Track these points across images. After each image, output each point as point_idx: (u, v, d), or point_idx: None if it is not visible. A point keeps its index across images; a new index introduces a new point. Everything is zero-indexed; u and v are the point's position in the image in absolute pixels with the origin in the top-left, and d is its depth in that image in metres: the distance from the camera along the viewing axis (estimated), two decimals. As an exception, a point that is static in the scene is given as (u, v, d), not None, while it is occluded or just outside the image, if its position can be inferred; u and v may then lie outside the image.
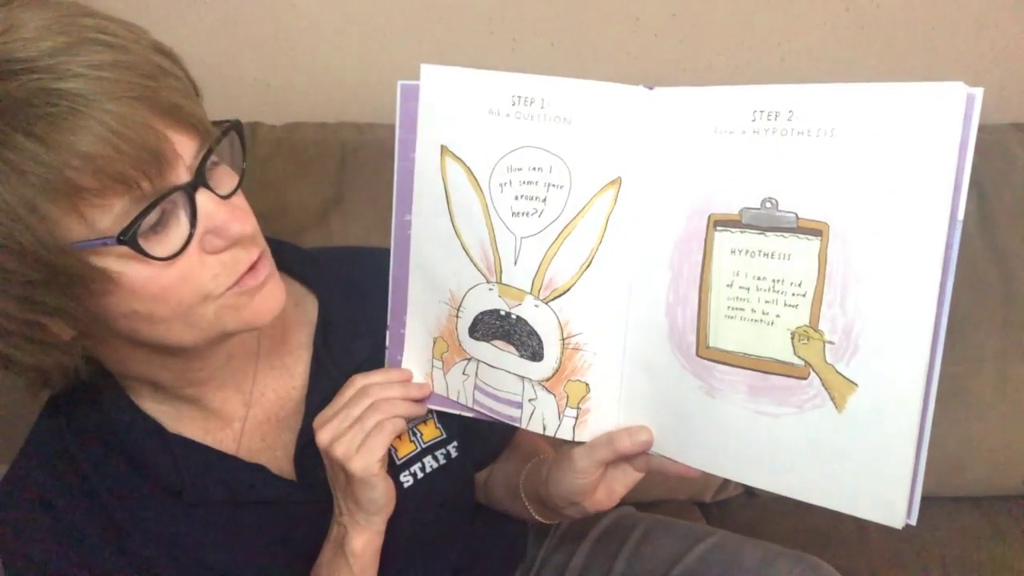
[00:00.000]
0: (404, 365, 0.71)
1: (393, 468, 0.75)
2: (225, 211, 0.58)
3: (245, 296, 0.61)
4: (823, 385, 0.56)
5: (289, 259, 0.77)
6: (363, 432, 0.64)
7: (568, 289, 0.63)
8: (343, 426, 0.65)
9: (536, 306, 0.64)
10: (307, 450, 0.72)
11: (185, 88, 0.58)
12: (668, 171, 0.60)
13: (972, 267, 1.13)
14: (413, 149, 0.66)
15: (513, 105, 0.62)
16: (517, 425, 0.67)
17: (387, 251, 0.69)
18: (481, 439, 0.82)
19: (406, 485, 0.75)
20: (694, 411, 0.61)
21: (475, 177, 0.64)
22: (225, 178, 0.61)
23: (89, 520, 0.68)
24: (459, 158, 0.64)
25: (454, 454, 0.78)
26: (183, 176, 0.56)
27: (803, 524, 1.18)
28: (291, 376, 0.75)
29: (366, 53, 1.21)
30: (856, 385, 0.55)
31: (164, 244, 0.56)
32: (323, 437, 0.65)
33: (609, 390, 0.64)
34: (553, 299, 0.63)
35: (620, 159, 0.61)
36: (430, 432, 0.77)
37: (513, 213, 0.63)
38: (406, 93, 0.65)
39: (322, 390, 0.72)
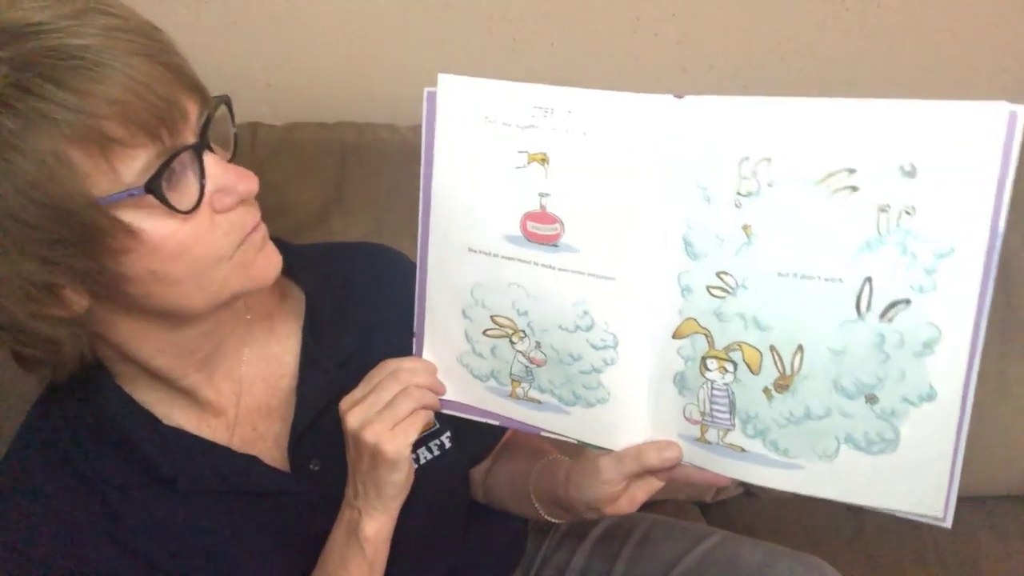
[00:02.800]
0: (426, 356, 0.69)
1: None
2: (231, 170, 0.60)
3: (252, 251, 0.63)
4: None
5: None
6: (395, 418, 0.64)
7: None
8: (373, 410, 0.64)
9: None
10: (301, 442, 0.72)
11: (182, 58, 0.60)
12: None
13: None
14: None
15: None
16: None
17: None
18: (475, 431, 0.81)
19: None
20: None
21: None
22: (221, 145, 0.63)
23: (82, 509, 0.67)
24: None
25: (447, 444, 0.78)
26: (190, 137, 0.58)
27: (803, 524, 1.18)
28: (280, 365, 0.75)
29: (366, 53, 1.21)
30: None
31: (180, 200, 0.57)
32: (352, 420, 0.64)
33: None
34: None
35: None
36: None
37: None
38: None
39: (313, 382, 0.73)
